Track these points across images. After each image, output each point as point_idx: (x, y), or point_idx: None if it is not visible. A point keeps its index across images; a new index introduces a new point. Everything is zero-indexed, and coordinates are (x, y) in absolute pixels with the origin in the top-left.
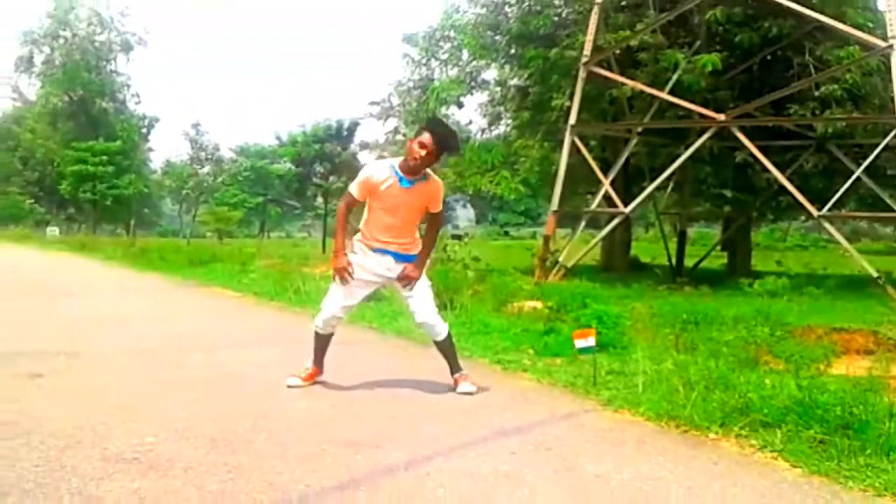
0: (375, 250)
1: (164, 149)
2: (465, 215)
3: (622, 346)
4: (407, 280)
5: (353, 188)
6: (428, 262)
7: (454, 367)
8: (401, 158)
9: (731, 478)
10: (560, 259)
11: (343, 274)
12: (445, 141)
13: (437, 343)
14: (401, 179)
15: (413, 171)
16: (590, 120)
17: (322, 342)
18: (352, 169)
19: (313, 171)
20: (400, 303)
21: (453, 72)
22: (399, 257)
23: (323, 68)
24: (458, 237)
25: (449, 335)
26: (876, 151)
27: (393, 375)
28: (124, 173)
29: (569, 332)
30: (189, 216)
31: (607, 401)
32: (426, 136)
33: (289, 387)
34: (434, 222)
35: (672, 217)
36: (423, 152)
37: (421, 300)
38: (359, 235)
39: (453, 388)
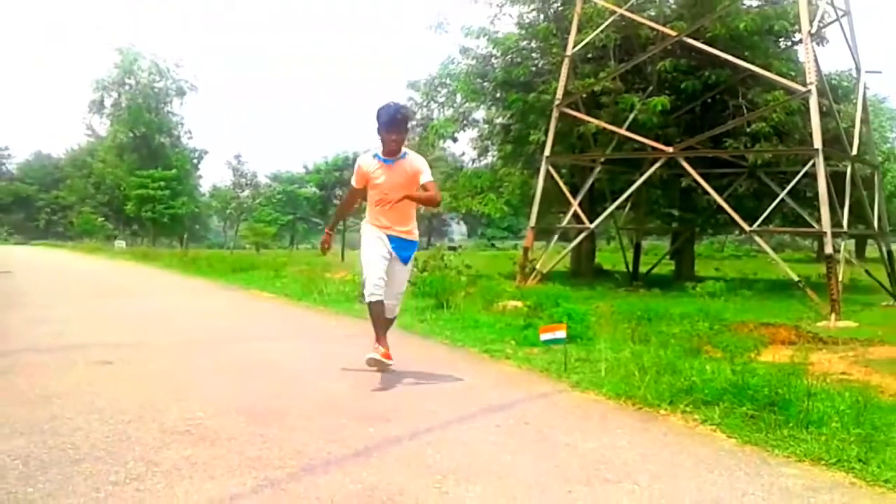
0: (388, 234)
1: (211, 176)
2: (458, 230)
3: (588, 338)
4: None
5: (352, 181)
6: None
7: (381, 337)
8: (379, 148)
9: (678, 446)
10: (537, 266)
11: (323, 246)
12: (379, 117)
13: (386, 319)
14: (385, 161)
15: (392, 154)
16: (561, 152)
17: (374, 312)
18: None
19: (333, 193)
20: (402, 301)
21: (449, 112)
22: (398, 244)
23: (342, 110)
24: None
25: (394, 319)
26: (797, 178)
27: (399, 362)
28: (178, 196)
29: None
30: (232, 231)
31: (576, 383)
32: (388, 133)
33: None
34: (427, 191)
35: (629, 231)
36: (393, 141)
37: (395, 285)
38: (366, 218)
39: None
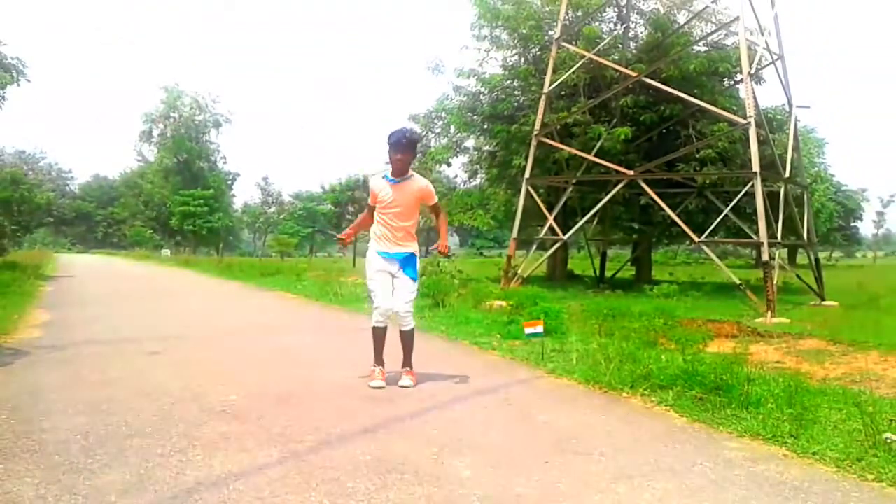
0: (379, 252)
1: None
2: (452, 241)
3: (561, 332)
4: (442, 249)
5: (369, 200)
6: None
7: (407, 360)
8: (388, 170)
9: (638, 423)
10: (518, 271)
11: (340, 241)
12: (388, 140)
13: (402, 332)
14: (391, 180)
15: (396, 174)
16: (539, 174)
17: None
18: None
19: (346, 209)
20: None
21: (444, 141)
22: (398, 255)
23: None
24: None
25: (412, 331)
26: (739, 196)
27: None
28: (215, 212)
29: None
30: (260, 242)
31: (551, 370)
32: (395, 153)
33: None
34: (437, 212)
35: (596, 242)
36: (400, 161)
37: (404, 294)
38: (371, 240)
39: (397, 380)
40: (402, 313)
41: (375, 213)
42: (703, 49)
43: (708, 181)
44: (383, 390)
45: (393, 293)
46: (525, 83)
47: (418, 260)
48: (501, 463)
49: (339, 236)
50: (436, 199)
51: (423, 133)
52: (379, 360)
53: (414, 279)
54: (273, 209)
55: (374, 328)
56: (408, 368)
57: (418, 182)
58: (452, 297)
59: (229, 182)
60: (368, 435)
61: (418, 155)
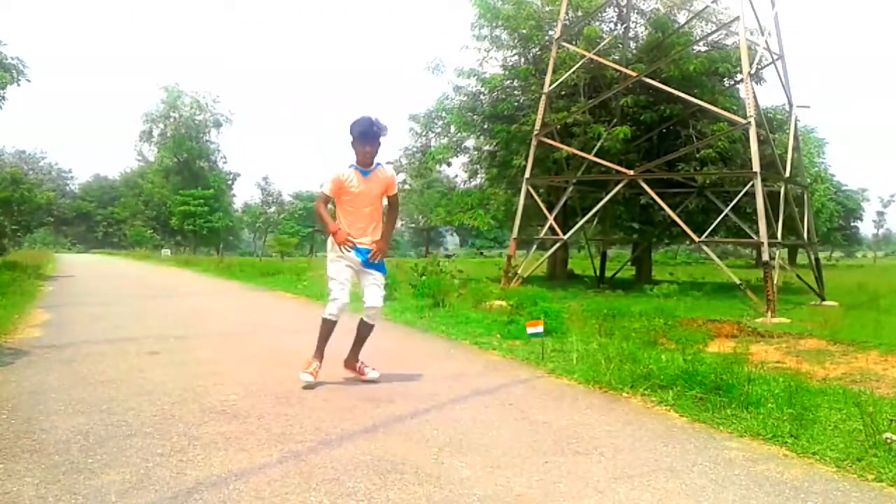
0: (354, 247)
1: (243, 194)
2: (452, 241)
3: (562, 332)
4: (374, 256)
5: (326, 187)
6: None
7: (356, 354)
8: (354, 160)
9: (638, 423)
10: (519, 271)
11: (346, 241)
12: (353, 130)
13: (363, 324)
14: (362, 172)
15: (364, 164)
16: (539, 174)
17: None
18: None
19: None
20: (405, 300)
21: (444, 141)
22: (364, 253)
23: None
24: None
25: (372, 327)
26: (739, 196)
27: (402, 352)
28: (215, 212)
29: (525, 323)
30: (260, 241)
31: (551, 370)
32: (364, 145)
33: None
34: (392, 204)
35: (597, 242)
36: (370, 152)
37: (377, 288)
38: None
39: (359, 375)
40: (378, 308)
41: (339, 205)
42: (704, 49)
43: (708, 181)
44: (383, 390)
45: (364, 287)
46: (525, 83)
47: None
48: (501, 463)
49: (350, 241)
50: (396, 190)
51: (424, 133)
52: (319, 354)
53: (383, 272)
54: (273, 209)
55: (325, 320)
56: (362, 363)
57: (386, 171)
58: (453, 296)
59: (229, 182)
60: (368, 435)
61: (418, 155)
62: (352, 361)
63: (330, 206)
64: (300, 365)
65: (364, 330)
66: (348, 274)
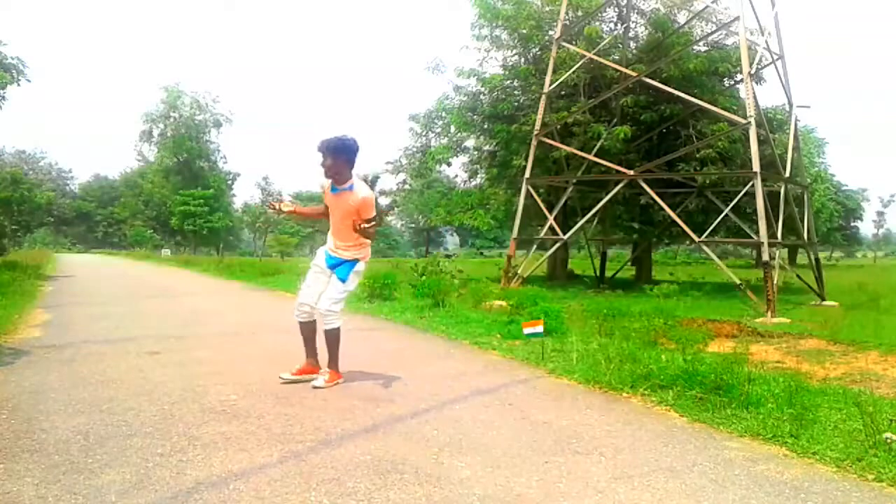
0: (325, 251)
1: (243, 194)
2: (452, 241)
3: (562, 332)
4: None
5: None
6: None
7: (329, 359)
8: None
9: (638, 423)
10: (519, 271)
11: (274, 204)
12: (324, 149)
13: (324, 330)
14: (332, 188)
15: (336, 182)
16: (539, 174)
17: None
18: (373, 209)
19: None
20: (405, 300)
21: (444, 141)
22: (330, 258)
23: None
24: (448, 256)
25: (333, 331)
26: (739, 196)
27: (402, 352)
28: (215, 212)
29: (523, 323)
30: (260, 241)
31: (551, 370)
32: (321, 158)
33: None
34: (362, 231)
35: (597, 241)
36: (325, 167)
37: (329, 291)
38: None
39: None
40: (322, 310)
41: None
42: (703, 49)
43: (708, 181)
44: (383, 390)
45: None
46: (525, 83)
47: (357, 265)
48: (501, 463)
49: (277, 205)
50: (372, 213)
51: (424, 133)
52: (306, 353)
53: (342, 279)
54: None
55: (298, 322)
56: (323, 369)
57: (359, 194)
58: (453, 296)
59: (229, 182)
60: (369, 435)
61: (418, 155)
62: (321, 366)
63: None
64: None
65: (326, 336)
66: (317, 277)
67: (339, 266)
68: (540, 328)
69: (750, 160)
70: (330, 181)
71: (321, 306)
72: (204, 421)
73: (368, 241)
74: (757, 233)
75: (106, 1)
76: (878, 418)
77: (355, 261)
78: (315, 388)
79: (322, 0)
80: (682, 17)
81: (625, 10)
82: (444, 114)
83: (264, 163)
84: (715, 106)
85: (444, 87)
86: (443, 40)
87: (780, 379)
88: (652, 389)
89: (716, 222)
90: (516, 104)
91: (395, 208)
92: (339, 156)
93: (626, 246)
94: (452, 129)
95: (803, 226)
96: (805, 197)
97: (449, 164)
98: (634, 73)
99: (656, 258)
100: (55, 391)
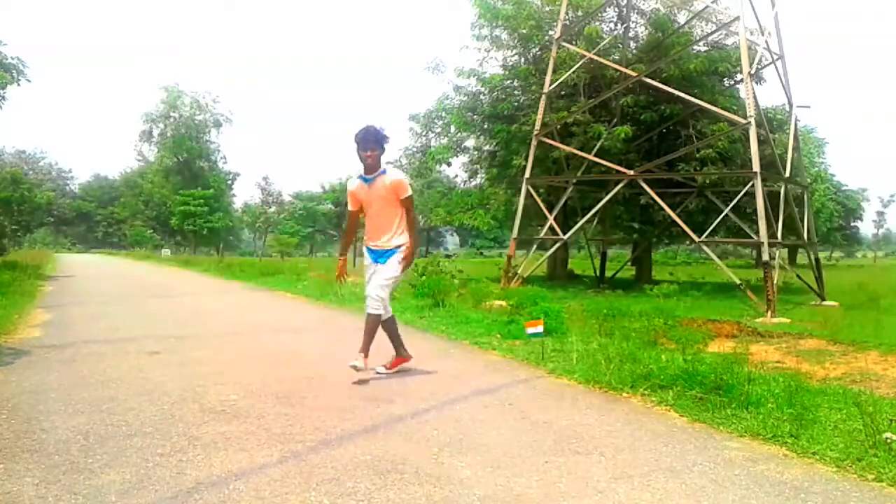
0: (366, 248)
1: (243, 194)
2: (452, 241)
3: (562, 332)
4: (406, 259)
5: (350, 204)
6: (406, 249)
7: (363, 343)
8: (361, 170)
9: (638, 423)
10: (519, 271)
11: (338, 276)
12: (355, 139)
13: (367, 316)
14: (364, 179)
15: (369, 171)
16: (539, 174)
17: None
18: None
19: (346, 209)
20: (405, 300)
21: (444, 141)
22: (372, 252)
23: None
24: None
25: (374, 317)
26: (739, 196)
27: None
28: (215, 212)
29: (524, 323)
30: (260, 241)
31: (551, 370)
32: (368, 150)
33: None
34: (405, 207)
35: (597, 241)
36: (372, 157)
37: (377, 278)
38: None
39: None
40: (370, 295)
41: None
42: (703, 49)
43: (708, 181)
44: (383, 390)
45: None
46: (525, 83)
47: (401, 250)
48: (501, 463)
49: (338, 268)
50: (408, 192)
51: (424, 133)
52: (394, 346)
53: (387, 267)
54: (273, 209)
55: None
56: (361, 353)
57: (392, 176)
58: (452, 296)
59: (229, 182)
60: (369, 435)
61: (418, 155)
62: (362, 350)
63: (363, 216)
64: (307, 365)
65: (368, 321)
66: (370, 274)
67: (383, 255)
68: (540, 328)
69: (750, 160)
70: (358, 178)
71: (368, 291)
72: (204, 421)
73: (407, 231)
74: (757, 233)
75: (106, 1)
76: (878, 418)
77: (397, 248)
78: (377, 373)
79: (322, 0)
80: (682, 17)
81: (625, 10)
82: (444, 114)
83: (264, 163)
84: (715, 106)
85: (444, 87)
86: (443, 40)
87: (780, 379)
88: (652, 389)
89: (716, 222)
90: (516, 104)
91: None
92: (384, 145)
93: (626, 246)
94: (452, 129)
95: (803, 226)
96: (805, 197)
97: (449, 164)
98: (634, 73)
99: (656, 258)
100: (55, 391)
